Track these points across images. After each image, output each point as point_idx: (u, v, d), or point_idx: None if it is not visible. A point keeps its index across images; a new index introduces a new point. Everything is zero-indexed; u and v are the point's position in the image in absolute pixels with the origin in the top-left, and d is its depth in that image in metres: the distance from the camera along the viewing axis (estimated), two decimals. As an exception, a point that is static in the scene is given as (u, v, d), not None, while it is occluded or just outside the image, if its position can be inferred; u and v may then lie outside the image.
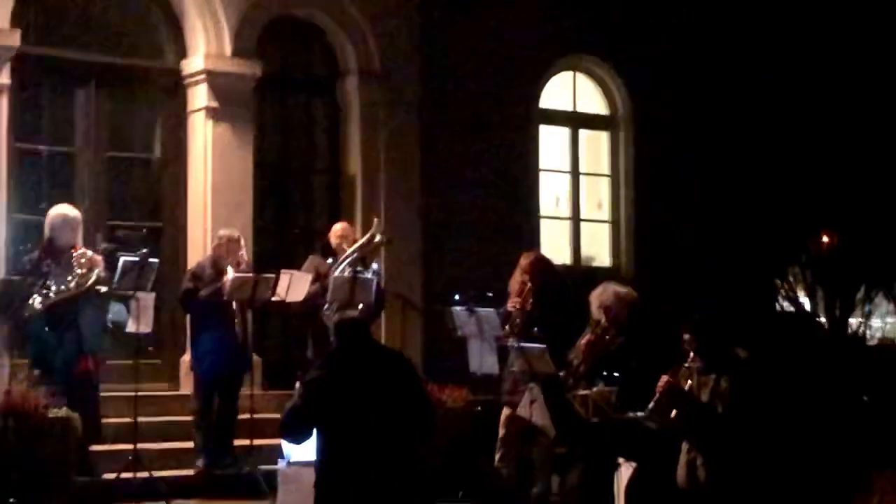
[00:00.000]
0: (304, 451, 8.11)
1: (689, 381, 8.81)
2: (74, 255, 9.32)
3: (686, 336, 8.92)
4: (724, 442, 8.61)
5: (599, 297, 9.93)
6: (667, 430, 8.87)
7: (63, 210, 9.66)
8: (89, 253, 9.44)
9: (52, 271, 9.23)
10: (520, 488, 10.02)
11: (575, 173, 13.87)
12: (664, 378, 8.76)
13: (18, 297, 9.10)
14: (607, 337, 9.70)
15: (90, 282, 9.21)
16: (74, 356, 9.18)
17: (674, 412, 8.79)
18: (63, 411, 8.58)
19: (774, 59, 14.96)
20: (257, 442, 9.76)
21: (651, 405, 8.79)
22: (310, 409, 6.85)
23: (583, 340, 9.83)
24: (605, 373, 9.49)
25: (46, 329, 9.17)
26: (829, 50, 16.78)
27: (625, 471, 9.32)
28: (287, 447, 8.67)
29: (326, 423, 6.79)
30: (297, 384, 7.49)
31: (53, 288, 9.13)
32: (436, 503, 7.46)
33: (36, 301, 9.08)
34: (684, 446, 8.80)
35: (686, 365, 8.89)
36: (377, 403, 6.77)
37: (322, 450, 6.85)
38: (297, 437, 7.20)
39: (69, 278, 9.18)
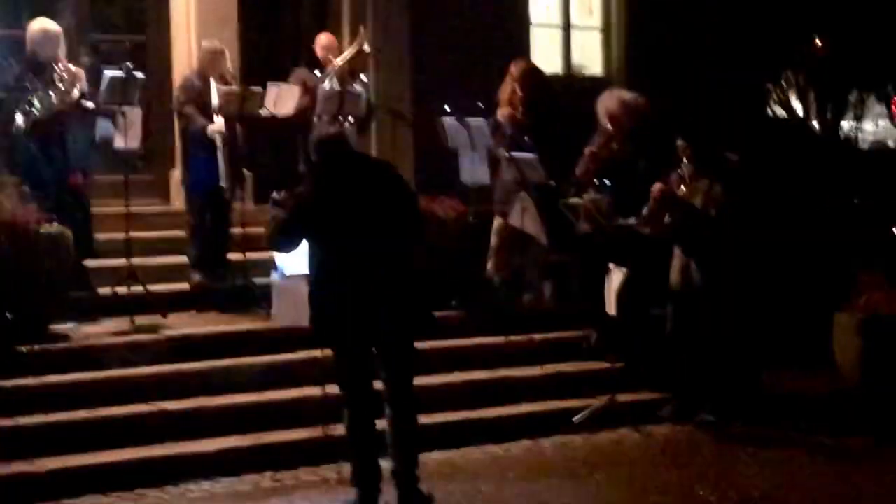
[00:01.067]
0: (298, 263, 8.16)
1: (682, 188, 8.87)
2: (57, 70, 9.24)
3: (679, 142, 8.94)
4: (718, 245, 8.70)
5: (605, 103, 9.91)
6: (658, 236, 8.97)
7: (44, 24, 9.47)
8: (72, 68, 9.36)
9: (34, 87, 9.14)
10: (512, 296, 10.17)
11: (566, -22, 13.64)
12: (657, 185, 8.81)
13: (4, 114, 9.05)
14: (613, 145, 9.71)
15: (74, 97, 9.16)
16: (63, 172, 9.20)
17: (667, 218, 8.86)
18: (55, 227, 8.58)
19: None
20: (250, 255, 9.83)
21: (644, 211, 8.87)
22: (299, 222, 6.94)
23: (587, 150, 9.85)
24: (604, 181, 9.53)
25: (34, 147, 9.12)
26: None
27: (615, 276, 9.42)
28: (280, 260, 8.74)
29: (317, 235, 6.88)
30: (273, 195, 7.55)
31: (37, 104, 9.07)
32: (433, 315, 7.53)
33: (19, 118, 9.04)
34: (677, 251, 8.89)
35: (678, 171, 8.94)
36: (366, 212, 6.83)
37: (315, 262, 6.95)
38: (286, 249, 7.33)
39: (51, 94, 9.12)
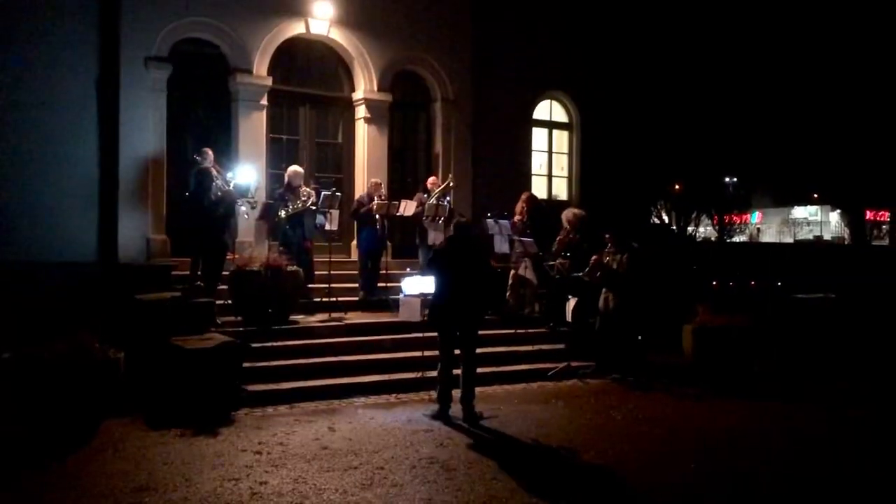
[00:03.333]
0: (412, 289, 8.16)
1: (607, 258, 8.79)
2: (302, 190, 9.41)
3: (607, 235, 8.88)
4: (622, 287, 8.60)
5: (566, 215, 9.96)
6: (593, 282, 8.88)
7: (296, 167, 9.70)
8: (307, 189, 9.52)
9: (289, 198, 9.31)
10: (518, 310, 10.08)
11: (550, 152, 13.62)
12: (594, 256, 8.75)
13: (273, 211, 9.23)
14: (570, 235, 9.71)
15: (308, 204, 9.31)
16: (301, 240, 9.30)
17: (598, 273, 8.77)
18: (294, 267, 8.67)
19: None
20: (390, 284, 9.82)
21: (587, 269, 8.78)
22: (437, 263, 7.01)
23: (557, 237, 9.84)
24: (565, 253, 9.49)
25: (287, 227, 9.26)
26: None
27: (571, 301, 9.35)
28: (404, 287, 8.71)
29: (444, 272, 6.90)
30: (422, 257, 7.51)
31: (290, 206, 9.24)
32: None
33: (282, 213, 9.19)
34: (603, 290, 8.78)
35: (605, 250, 8.85)
36: (466, 264, 6.89)
37: (437, 286, 6.96)
38: (427, 272, 7.28)
39: (298, 202, 9.29)
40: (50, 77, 9.04)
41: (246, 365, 7.32)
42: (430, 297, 7.23)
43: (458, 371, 6.95)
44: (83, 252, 8.99)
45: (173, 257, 9.27)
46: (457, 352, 6.95)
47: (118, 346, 6.50)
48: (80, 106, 9.18)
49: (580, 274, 9.02)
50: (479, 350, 7.14)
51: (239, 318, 8.37)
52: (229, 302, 8.46)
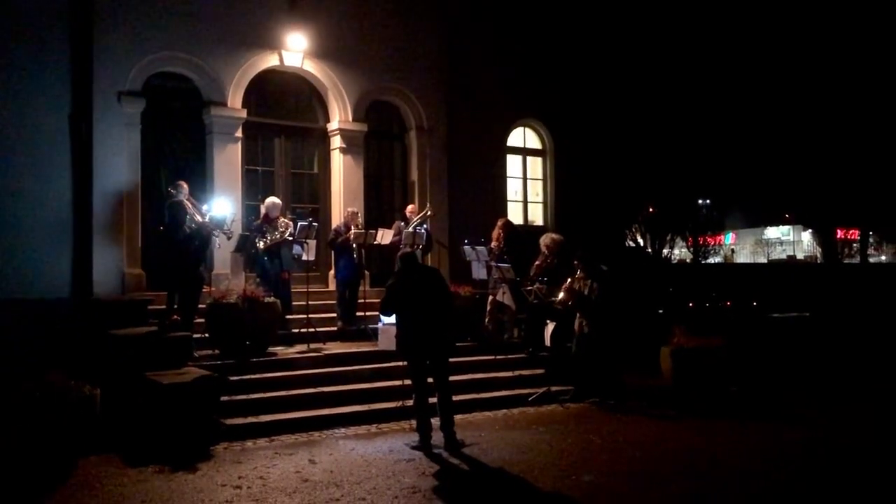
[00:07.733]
0: (390, 319, 8.20)
1: (578, 284, 8.91)
2: (280, 221, 9.43)
3: (576, 261, 9.03)
4: (594, 312, 8.72)
5: (544, 240, 10.12)
6: (567, 307, 8.99)
7: (273, 199, 9.74)
8: (285, 220, 9.55)
9: (267, 230, 9.33)
10: (497, 335, 10.15)
11: (524, 178, 13.76)
12: (566, 282, 8.86)
13: (250, 242, 9.22)
14: (548, 260, 9.84)
15: (286, 235, 9.33)
16: (278, 271, 9.30)
17: (570, 300, 8.88)
18: (272, 299, 8.68)
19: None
20: (368, 313, 9.84)
21: (560, 295, 8.89)
22: (391, 299, 6.97)
23: (535, 262, 9.97)
24: (543, 278, 9.60)
25: (265, 258, 9.27)
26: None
27: (550, 326, 9.44)
28: (382, 317, 8.78)
29: (399, 306, 6.92)
30: (389, 282, 7.53)
31: (268, 238, 9.25)
32: (457, 345, 7.56)
33: (260, 244, 9.20)
34: (577, 315, 8.88)
35: (577, 275, 8.98)
36: (424, 295, 6.89)
37: (399, 320, 7.01)
38: (387, 313, 7.32)
39: (276, 233, 9.30)
40: (22, 113, 9.00)
41: (224, 398, 7.28)
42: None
43: (434, 399, 6.97)
44: (57, 288, 8.89)
45: (149, 291, 9.22)
46: (430, 380, 6.98)
47: (94, 383, 6.44)
48: (53, 141, 9.12)
49: (554, 299, 9.12)
50: (459, 377, 7.17)
51: (216, 352, 8.32)
52: (206, 335, 8.42)
